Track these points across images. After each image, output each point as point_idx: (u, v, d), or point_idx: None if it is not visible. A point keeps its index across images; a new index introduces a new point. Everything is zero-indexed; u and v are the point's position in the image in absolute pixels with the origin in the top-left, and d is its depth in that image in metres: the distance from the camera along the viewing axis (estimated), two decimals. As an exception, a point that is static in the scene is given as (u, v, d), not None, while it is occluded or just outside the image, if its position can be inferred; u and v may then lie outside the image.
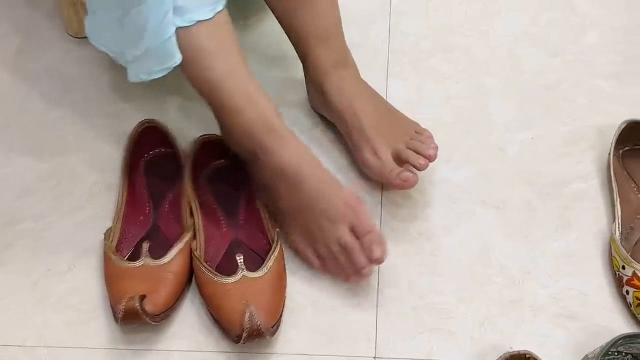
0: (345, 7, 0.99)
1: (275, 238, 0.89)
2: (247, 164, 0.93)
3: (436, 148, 0.92)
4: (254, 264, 0.87)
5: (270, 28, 1.09)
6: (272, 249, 0.87)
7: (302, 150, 0.89)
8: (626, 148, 0.97)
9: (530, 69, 1.08)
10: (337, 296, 0.89)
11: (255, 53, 1.08)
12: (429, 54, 1.10)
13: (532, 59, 1.09)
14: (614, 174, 0.94)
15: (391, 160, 0.93)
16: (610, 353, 0.81)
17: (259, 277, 0.84)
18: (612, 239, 0.89)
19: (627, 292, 0.86)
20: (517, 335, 0.86)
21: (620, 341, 0.80)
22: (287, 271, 0.89)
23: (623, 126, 0.96)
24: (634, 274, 0.85)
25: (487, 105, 1.05)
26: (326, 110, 1.00)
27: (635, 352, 0.82)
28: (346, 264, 0.87)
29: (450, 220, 0.94)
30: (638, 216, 0.92)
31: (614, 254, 0.88)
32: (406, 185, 0.91)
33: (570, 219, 0.94)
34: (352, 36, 1.00)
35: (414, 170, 0.92)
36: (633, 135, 0.96)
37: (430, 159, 0.91)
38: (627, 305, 0.86)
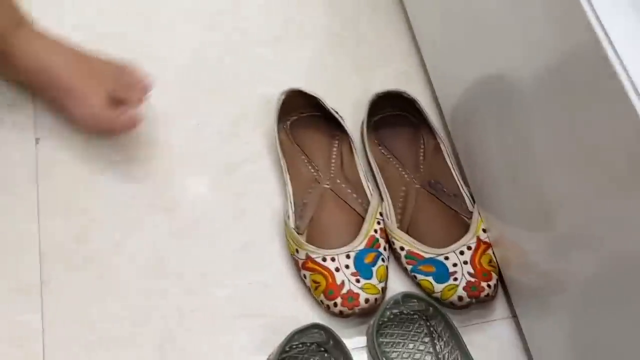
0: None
1: None
2: None
3: (148, 76, 0.85)
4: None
5: None
6: None
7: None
8: (293, 118, 0.92)
9: (191, 47, 1.00)
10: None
11: None
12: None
13: (191, 37, 1.01)
14: (282, 150, 0.90)
15: (106, 104, 0.84)
16: (289, 349, 0.79)
17: None
18: (285, 222, 0.86)
19: (305, 276, 0.83)
20: (201, 347, 0.81)
21: (296, 336, 0.78)
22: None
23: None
24: (308, 256, 0.83)
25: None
26: (14, 75, 0.90)
27: (317, 340, 0.81)
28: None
29: (118, 235, 0.86)
30: (309, 190, 0.89)
31: (288, 237, 0.86)
32: (132, 124, 0.85)
33: (245, 205, 0.89)
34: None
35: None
36: (298, 105, 0.92)
37: (147, 88, 0.85)
38: (308, 290, 0.84)
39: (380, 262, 0.82)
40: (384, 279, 0.82)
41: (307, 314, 0.83)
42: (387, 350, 0.81)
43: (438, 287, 0.81)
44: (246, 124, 0.94)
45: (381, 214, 0.86)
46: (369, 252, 0.83)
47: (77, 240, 0.85)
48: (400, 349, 0.81)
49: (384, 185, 0.89)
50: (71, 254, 0.85)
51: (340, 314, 0.80)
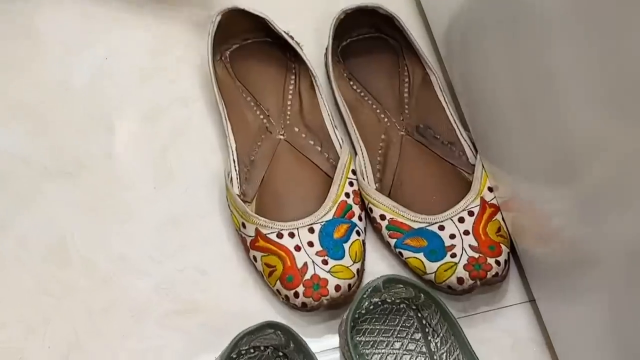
0: None
1: None
2: None
3: None
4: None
5: None
6: None
7: None
8: (234, 46, 0.72)
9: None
10: None
11: None
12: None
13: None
14: (221, 89, 0.69)
15: None
16: (237, 355, 0.60)
17: None
18: (226, 187, 0.66)
19: (255, 258, 0.64)
20: (118, 355, 0.62)
21: (245, 339, 0.60)
22: None
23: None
24: (258, 232, 0.63)
25: None
26: None
27: (273, 343, 0.63)
28: None
29: (2, 212, 0.67)
30: (258, 142, 0.69)
31: (231, 207, 0.66)
32: None
33: (173, 165, 0.69)
34: None
35: None
36: (240, 29, 0.71)
37: None
38: (260, 276, 0.65)
39: (354, 237, 0.64)
40: (360, 258, 0.64)
41: (260, 308, 0.64)
42: (367, 351, 0.63)
43: (431, 267, 0.63)
44: (171, 54, 0.73)
45: (354, 172, 0.67)
46: (339, 224, 0.65)
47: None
48: (383, 350, 0.63)
49: (357, 133, 0.69)
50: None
51: (304, 307, 0.62)
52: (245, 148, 0.69)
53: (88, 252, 0.66)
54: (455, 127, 0.70)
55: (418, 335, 0.63)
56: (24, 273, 0.65)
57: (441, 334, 0.63)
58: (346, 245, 0.64)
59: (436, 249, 0.64)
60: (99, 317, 0.64)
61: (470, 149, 0.70)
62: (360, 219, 0.66)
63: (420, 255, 0.64)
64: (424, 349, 0.63)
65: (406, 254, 0.65)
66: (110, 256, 0.66)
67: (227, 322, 0.64)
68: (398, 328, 0.64)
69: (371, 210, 0.66)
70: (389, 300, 0.64)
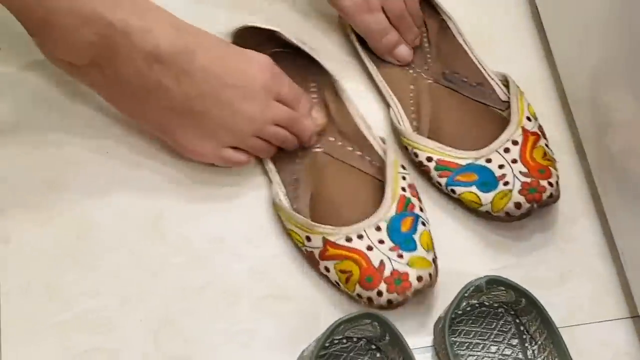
0: None
1: None
2: (89, 77, 0.65)
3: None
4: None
5: None
6: None
7: (170, 18, 0.65)
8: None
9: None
10: None
11: None
12: None
13: None
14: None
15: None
16: (329, 344, 0.61)
17: None
18: (278, 207, 0.66)
19: (327, 269, 0.64)
20: (209, 336, 0.63)
21: (342, 327, 0.60)
22: None
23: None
24: (326, 241, 0.63)
25: None
26: None
27: (367, 334, 0.64)
28: (286, 141, 0.68)
29: (95, 185, 0.68)
30: (297, 160, 0.68)
31: (289, 224, 0.65)
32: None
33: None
34: None
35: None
36: (254, 44, 0.70)
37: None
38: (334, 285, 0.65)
39: (421, 227, 0.65)
40: (432, 247, 0.65)
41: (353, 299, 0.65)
42: (462, 352, 0.63)
43: (486, 198, 0.66)
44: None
45: (403, 167, 0.68)
46: (403, 217, 0.65)
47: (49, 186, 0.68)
48: (479, 352, 0.63)
49: (387, 86, 0.72)
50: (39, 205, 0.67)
51: (390, 305, 0.62)
52: (285, 168, 0.69)
53: (184, 230, 0.67)
54: (481, 68, 0.73)
55: (515, 341, 0.63)
56: (120, 246, 0.66)
57: (539, 342, 0.62)
58: (416, 237, 0.65)
59: (488, 180, 0.67)
60: (192, 296, 0.65)
61: (499, 85, 0.72)
62: (421, 209, 0.67)
63: (473, 189, 0.67)
64: (520, 356, 0.63)
65: (459, 190, 0.67)
66: (207, 236, 0.67)
67: (320, 310, 0.65)
68: (495, 332, 0.64)
69: (416, 155, 0.69)
70: (487, 304, 0.64)
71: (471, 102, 0.72)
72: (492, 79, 0.72)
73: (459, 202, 0.69)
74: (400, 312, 0.63)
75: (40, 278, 0.65)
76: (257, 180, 0.69)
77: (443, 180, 0.68)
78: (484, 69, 0.72)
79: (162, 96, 0.65)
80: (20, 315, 0.64)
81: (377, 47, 0.72)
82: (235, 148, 0.68)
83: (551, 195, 0.67)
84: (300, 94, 0.70)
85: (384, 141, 0.70)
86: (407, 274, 0.63)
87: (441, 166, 0.68)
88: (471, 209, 0.69)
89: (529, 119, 0.70)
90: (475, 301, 0.63)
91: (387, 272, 0.63)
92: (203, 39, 0.67)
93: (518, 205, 0.66)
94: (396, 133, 0.70)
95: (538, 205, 0.66)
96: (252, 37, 0.71)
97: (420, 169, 0.69)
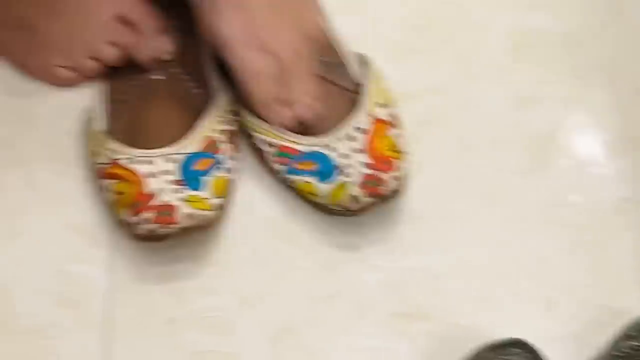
0: None
1: None
2: None
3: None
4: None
5: None
6: None
7: None
8: None
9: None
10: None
11: None
12: None
13: None
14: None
15: None
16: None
17: None
18: (89, 120, 0.66)
19: (106, 188, 0.62)
20: (331, 349, 0.59)
21: (484, 355, 0.54)
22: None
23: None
24: (111, 159, 0.61)
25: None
26: None
27: None
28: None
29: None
30: (132, 82, 0.66)
31: (89, 138, 0.65)
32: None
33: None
34: None
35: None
36: None
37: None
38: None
39: (217, 172, 0.62)
40: (223, 194, 0.62)
41: (498, 324, 0.58)
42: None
43: (323, 189, 0.61)
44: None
45: (236, 113, 0.65)
46: (202, 157, 0.62)
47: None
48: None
49: None
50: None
51: (151, 235, 0.59)
52: (119, 87, 0.67)
53: (316, 234, 0.63)
54: (335, 47, 0.67)
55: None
56: (244, 244, 0.62)
57: None
58: (205, 178, 0.61)
59: (327, 170, 0.62)
60: (318, 305, 0.60)
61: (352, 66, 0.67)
62: (232, 158, 0.64)
63: (311, 179, 0.62)
64: None
65: (295, 178, 0.63)
66: (338, 243, 0.62)
67: (458, 334, 0.59)
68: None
69: (254, 138, 0.65)
70: None
71: (325, 82, 0.66)
72: (346, 58, 0.68)
73: (294, 189, 0.64)
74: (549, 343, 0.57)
75: (154, 270, 0.62)
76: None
77: (282, 168, 0.64)
78: (338, 48, 0.68)
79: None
80: (134, 309, 0.60)
81: None
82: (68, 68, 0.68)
83: (394, 191, 0.62)
84: (145, 16, 0.68)
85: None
86: (175, 208, 0.60)
87: (281, 152, 0.64)
88: (309, 200, 0.64)
89: (382, 105, 0.65)
90: (637, 343, 0.57)
91: (156, 202, 0.60)
92: None
93: (355, 198, 0.61)
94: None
95: (379, 199, 0.62)
96: None
97: (259, 155, 0.66)
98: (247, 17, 0.61)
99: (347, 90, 0.66)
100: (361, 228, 0.63)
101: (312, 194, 0.63)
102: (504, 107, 0.68)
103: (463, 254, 0.63)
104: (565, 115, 0.68)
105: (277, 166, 0.64)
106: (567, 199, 0.65)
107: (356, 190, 0.61)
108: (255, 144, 0.65)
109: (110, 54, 0.66)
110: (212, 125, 0.63)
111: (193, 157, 0.62)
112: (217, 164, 0.62)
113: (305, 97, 0.63)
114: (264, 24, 0.61)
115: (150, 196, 0.60)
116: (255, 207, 0.64)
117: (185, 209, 0.60)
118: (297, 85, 0.62)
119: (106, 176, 0.62)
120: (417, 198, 0.64)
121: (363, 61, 0.66)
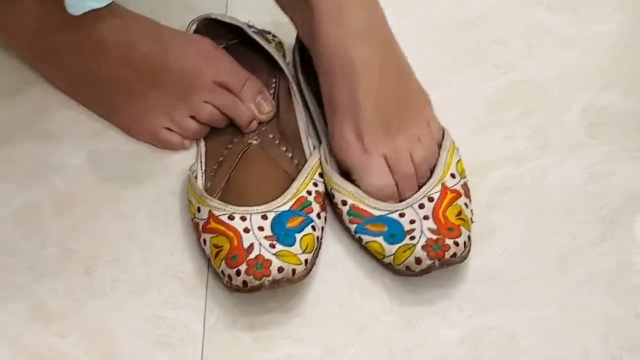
0: None
1: None
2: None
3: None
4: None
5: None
6: None
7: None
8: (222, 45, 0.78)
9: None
10: None
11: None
12: None
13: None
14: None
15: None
16: None
17: None
18: (189, 180, 0.71)
19: (205, 241, 0.68)
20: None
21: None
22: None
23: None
24: (211, 214, 0.67)
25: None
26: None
27: None
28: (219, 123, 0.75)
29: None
30: (229, 146, 0.74)
31: (190, 194, 0.70)
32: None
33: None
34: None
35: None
36: (217, 35, 0.76)
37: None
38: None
39: (308, 230, 0.68)
40: (311, 250, 0.67)
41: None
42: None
43: (390, 250, 0.67)
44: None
45: (322, 175, 0.72)
46: (294, 215, 0.68)
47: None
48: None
49: (323, 122, 0.76)
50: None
51: (244, 286, 0.64)
52: (216, 149, 0.74)
53: (396, 287, 0.68)
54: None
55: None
56: (329, 297, 0.67)
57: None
58: (298, 235, 0.67)
59: (395, 233, 0.68)
60: (399, 357, 0.64)
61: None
62: (319, 217, 0.69)
63: (380, 239, 0.68)
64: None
65: (366, 238, 0.69)
66: (418, 298, 0.67)
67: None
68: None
69: (333, 195, 0.71)
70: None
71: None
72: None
73: (364, 248, 0.70)
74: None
75: (245, 319, 0.67)
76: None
77: (353, 227, 0.70)
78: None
79: (106, 81, 0.74)
80: (225, 353, 0.65)
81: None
82: (173, 131, 0.75)
83: (454, 255, 0.66)
84: (243, 79, 0.75)
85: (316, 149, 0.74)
86: (269, 262, 0.65)
87: (354, 212, 0.70)
88: (377, 258, 0.70)
89: (453, 175, 0.71)
90: None
91: (252, 255, 0.66)
92: (142, 25, 0.74)
93: (418, 260, 0.66)
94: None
95: (440, 263, 0.66)
96: (216, 28, 0.79)
97: (335, 211, 0.72)
98: None
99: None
100: (440, 286, 0.68)
101: (379, 253, 0.69)
102: (578, 179, 0.74)
103: (536, 315, 0.66)
104: (637, 189, 0.73)
105: (349, 224, 0.70)
106: (637, 267, 0.69)
107: (420, 253, 0.67)
108: (335, 202, 0.71)
109: (207, 112, 0.73)
110: (303, 187, 0.70)
111: (286, 214, 0.68)
112: (307, 221, 0.69)
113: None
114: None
115: (246, 250, 0.66)
116: (338, 263, 0.70)
117: (278, 263, 0.66)
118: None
119: (206, 230, 0.68)
120: (492, 260, 0.69)
121: (444, 134, 0.73)
